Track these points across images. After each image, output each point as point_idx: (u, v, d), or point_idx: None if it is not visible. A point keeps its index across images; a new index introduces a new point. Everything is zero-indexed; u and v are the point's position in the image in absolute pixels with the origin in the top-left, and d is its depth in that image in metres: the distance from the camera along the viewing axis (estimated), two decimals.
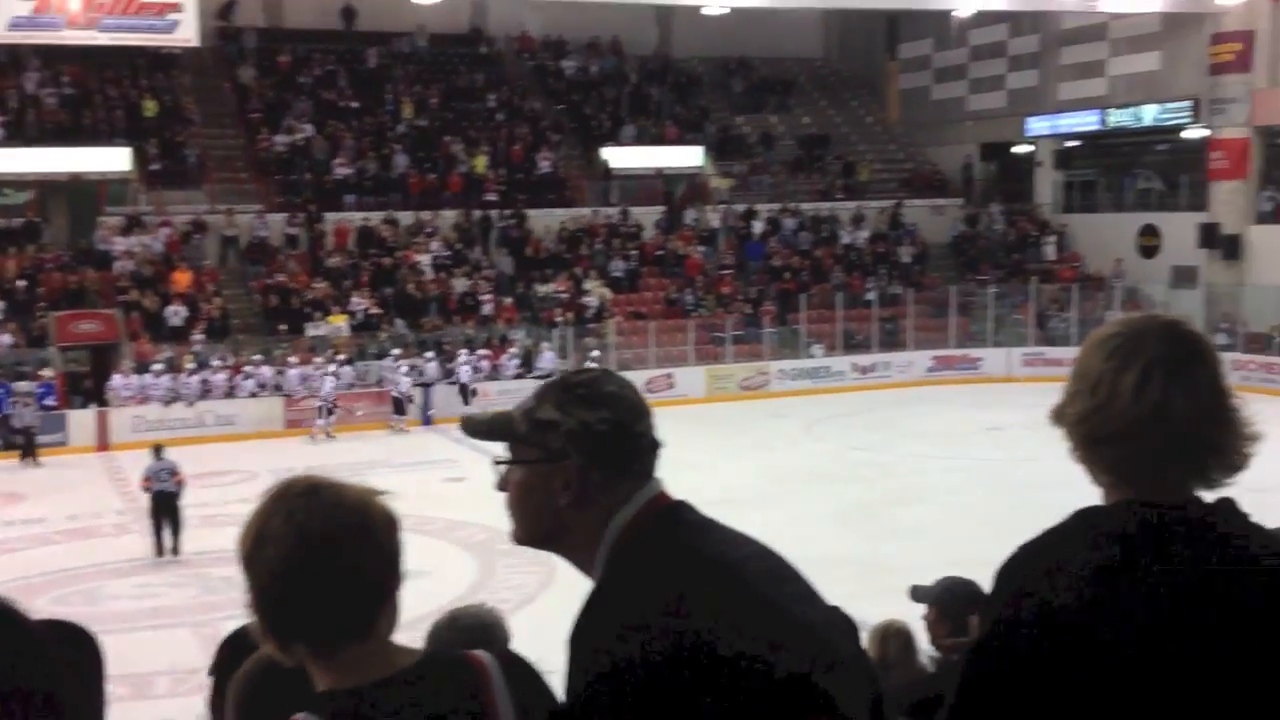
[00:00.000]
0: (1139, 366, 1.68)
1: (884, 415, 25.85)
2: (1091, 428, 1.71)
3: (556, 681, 1.75)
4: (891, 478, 19.99)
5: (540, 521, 1.80)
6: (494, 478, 1.83)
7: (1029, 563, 1.70)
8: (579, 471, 1.76)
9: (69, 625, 1.53)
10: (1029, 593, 1.66)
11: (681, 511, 1.80)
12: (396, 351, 26.72)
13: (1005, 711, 1.66)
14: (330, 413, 24.95)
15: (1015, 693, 1.65)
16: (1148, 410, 1.66)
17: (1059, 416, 1.76)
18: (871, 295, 31.64)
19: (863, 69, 41.57)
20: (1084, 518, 1.72)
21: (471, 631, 2.96)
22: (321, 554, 1.64)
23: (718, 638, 1.61)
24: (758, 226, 33.93)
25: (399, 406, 25.52)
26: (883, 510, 17.71)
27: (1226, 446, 1.70)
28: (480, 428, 1.88)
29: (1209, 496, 1.72)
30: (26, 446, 22.21)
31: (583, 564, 1.80)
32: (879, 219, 35.26)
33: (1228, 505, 1.72)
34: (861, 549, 15.34)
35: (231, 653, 2.83)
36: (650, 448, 1.82)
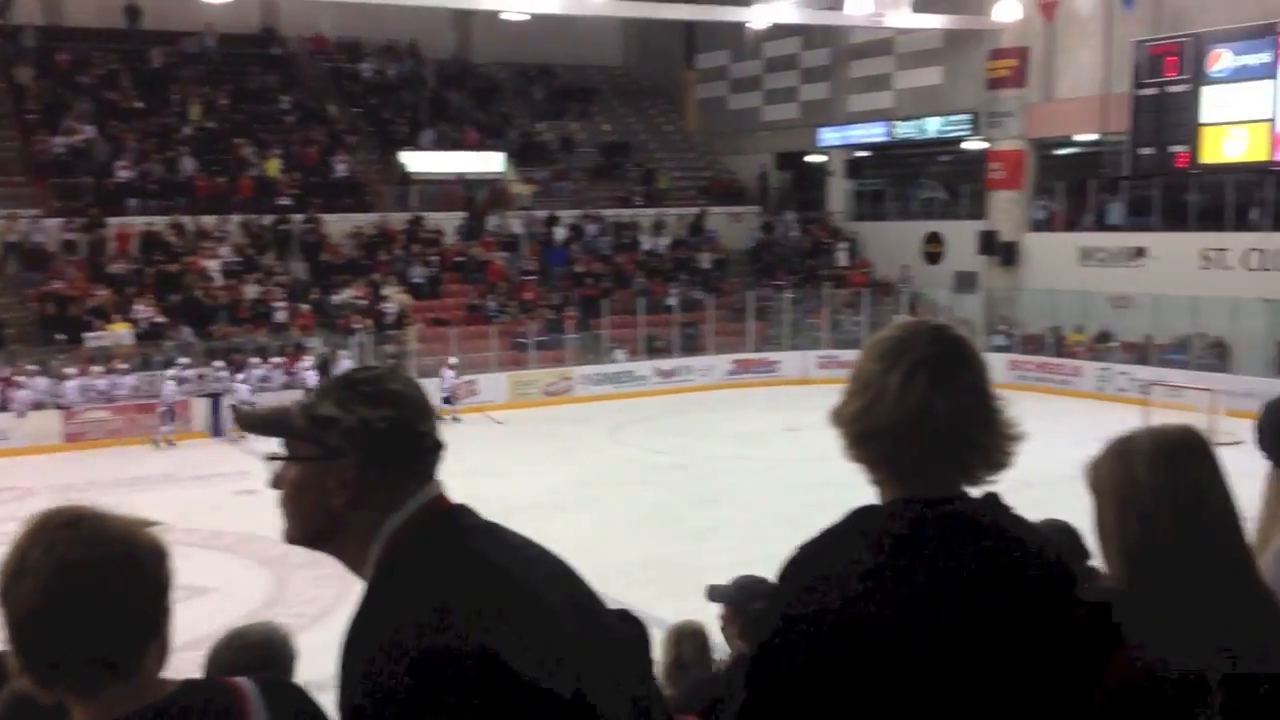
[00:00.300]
0: (904, 367, 1.75)
1: (686, 418, 26.28)
2: (861, 426, 1.78)
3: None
4: (693, 479, 20.30)
5: (313, 520, 1.75)
6: (267, 474, 1.78)
7: (807, 563, 1.76)
8: (356, 470, 1.72)
9: None
10: (807, 591, 1.71)
11: (461, 515, 1.78)
12: (184, 360, 25.79)
13: (788, 708, 1.70)
14: (172, 418, 24.27)
15: (797, 689, 1.69)
16: (911, 409, 1.73)
17: (835, 416, 1.82)
18: (672, 301, 32.09)
19: (662, 78, 42.18)
20: (858, 516, 1.78)
21: (253, 650, 2.87)
22: (83, 587, 1.58)
23: (492, 644, 1.58)
24: (560, 233, 34.02)
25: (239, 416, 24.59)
26: (685, 512, 17.96)
27: (989, 445, 1.77)
28: (256, 422, 1.85)
29: (976, 492, 1.78)
30: None
31: (355, 565, 1.75)
32: (679, 226, 35.80)
33: (993, 500, 1.79)
34: (664, 551, 15.52)
35: None
36: (433, 448, 1.79)
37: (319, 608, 13.14)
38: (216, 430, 24.89)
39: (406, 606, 1.62)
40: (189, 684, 1.74)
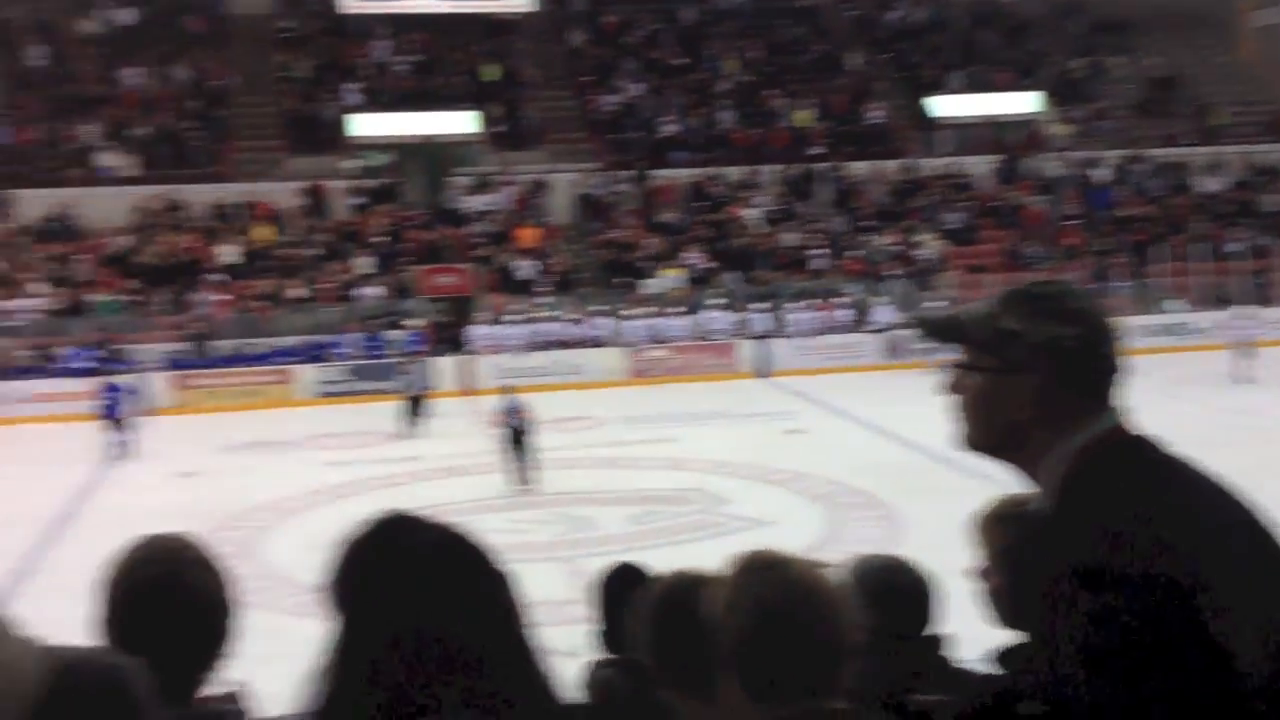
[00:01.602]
0: None
1: (1260, 375, 23.77)
2: None
3: None
4: (1271, 442, 18.41)
5: (994, 431, 1.75)
6: (944, 379, 1.79)
7: None
8: (1040, 387, 1.69)
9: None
10: None
11: (1145, 446, 1.67)
12: (718, 302, 27.18)
13: None
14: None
15: None
16: None
17: None
18: (1237, 247, 29.28)
19: (1210, 5, 38.44)
20: None
21: (883, 572, 2.89)
22: (781, 622, 1.80)
23: (1176, 578, 1.45)
24: (1102, 174, 32.14)
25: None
26: (1264, 476, 16.32)
27: None
28: (936, 328, 1.83)
29: None
30: (415, 409, 21.60)
31: (1031, 477, 1.75)
32: (1240, 166, 32.64)
33: None
34: None
35: (619, 585, 3.22)
36: (1112, 371, 1.72)
37: (871, 548, 13.21)
38: (761, 370, 25.90)
39: (1091, 533, 1.58)
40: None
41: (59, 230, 28.33)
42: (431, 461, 18.60)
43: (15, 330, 25.67)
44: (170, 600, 2.05)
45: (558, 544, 14.04)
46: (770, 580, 1.82)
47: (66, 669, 1.42)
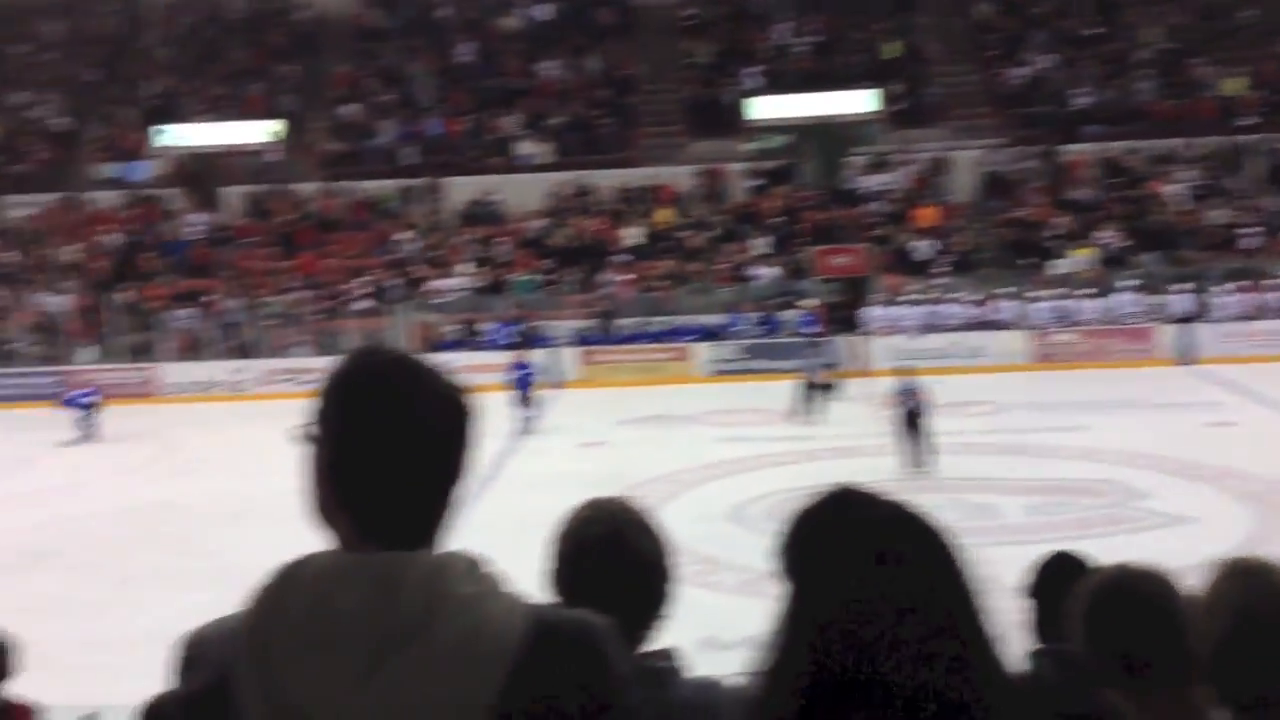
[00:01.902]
0: None
1: None
2: None
3: None
4: None
5: None
6: None
7: None
8: None
9: None
10: None
11: None
12: (1132, 284, 25.59)
13: None
14: None
15: None
16: None
17: None
18: None
19: None
20: None
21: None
22: (1260, 630, 1.79)
23: None
24: None
25: None
26: None
27: None
28: None
29: None
30: (818, 389, 21.24)
31: None
32: None
33: None
34: None
35: (1056, 573, 3.23)
36: None
37: None
38: (1184, 357, 24.10)
39: None
40: None
41: (482, 214, 30.53)
42: (823, 441, 18.54)
43: (445, 307, 27.89)
44: (613, 559, 2.13)
45: (953, 531, 13.59)
46: (1257, 586, 1.79)
47: (547, 626, 1.51)
